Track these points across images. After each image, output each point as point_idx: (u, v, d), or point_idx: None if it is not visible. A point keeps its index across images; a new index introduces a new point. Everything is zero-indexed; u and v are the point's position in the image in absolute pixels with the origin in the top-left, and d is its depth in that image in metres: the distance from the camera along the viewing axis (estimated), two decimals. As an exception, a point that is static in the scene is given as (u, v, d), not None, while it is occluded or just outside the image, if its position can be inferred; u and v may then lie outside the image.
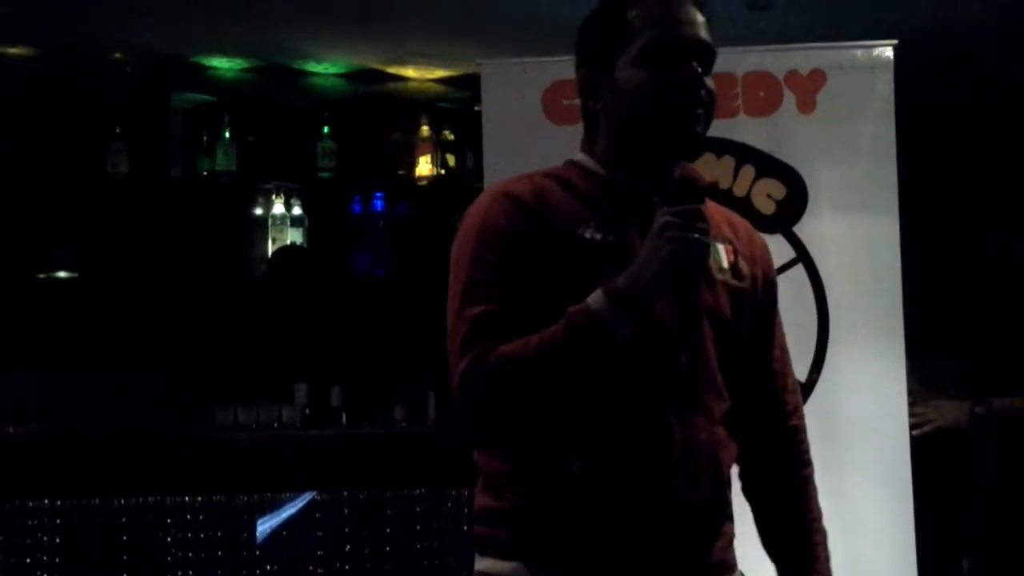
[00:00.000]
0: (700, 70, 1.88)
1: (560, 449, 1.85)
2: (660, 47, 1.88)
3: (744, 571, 2.05)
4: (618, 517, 1.85)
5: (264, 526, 4.35)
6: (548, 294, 1.82)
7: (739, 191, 3.17)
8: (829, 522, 3.05)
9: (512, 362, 1.77)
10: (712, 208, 2.03)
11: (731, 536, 2.01)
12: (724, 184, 3.17)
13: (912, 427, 3.21)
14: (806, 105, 3.24)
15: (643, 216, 1.86)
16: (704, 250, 1.81)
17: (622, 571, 1.85)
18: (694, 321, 1.90)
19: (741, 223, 2.11)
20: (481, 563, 1.94)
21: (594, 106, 1.97)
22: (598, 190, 1.93)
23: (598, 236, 1.86)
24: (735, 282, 1.97)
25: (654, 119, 1.88)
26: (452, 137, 5.30)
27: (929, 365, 3.39)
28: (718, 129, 3.12)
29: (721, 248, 1.97)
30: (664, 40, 1.88)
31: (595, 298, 1.77)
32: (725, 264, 1.97)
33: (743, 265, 2.00)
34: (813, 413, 3.03)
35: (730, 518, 2.00)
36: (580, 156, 2.00)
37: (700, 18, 1.92)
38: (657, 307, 1.83)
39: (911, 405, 3.19)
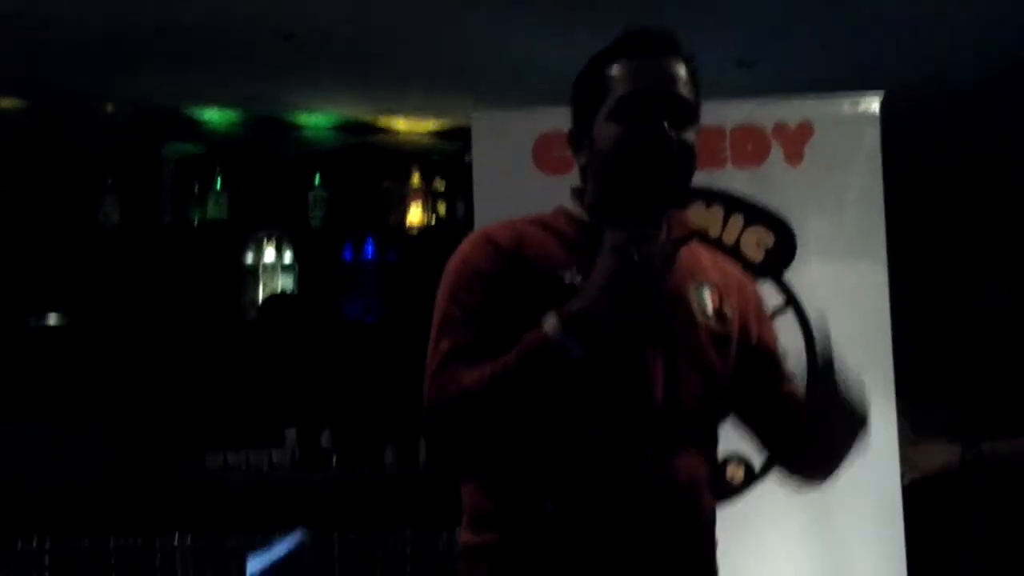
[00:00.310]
0: (668, 124, 1.88)
1: (534, 489, 1.85)
2: (629, 102, 1.90)
3: None
4: (591, 560, 1.84)
5: (254, 568, 4.33)
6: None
7: (728, 239, 3.21)
8: (819, 564, 3.09)
9: (469, 390, 1.78)
10: (703, 254, 2.05)
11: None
12: (713, 233, 3.20)
13: (903, 474, 3.22)
14: (794, 156, 3.27)
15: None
16: (650, 266, 1.79)
17: None
18: (669, 357, 1.90)
19: (733, 271, 2.12)
20: None
21: (579, 160, 2.00)
22: (582, 236, 1.94)
23: (578, 279, 1.86)
24: (718, 327, 1.97)
25: (624, 174, 1.91)
26: (443, 186, 5.34)
27: (919, 410, 3.41)
28: (707, 179, 3.21)
29: (706, 292, 1.98)
30: (633, 95, 1.90)
31: (548, 322, 1.77)
32: (709, 309, 1.97)
33: (728, 311, 2.00)
34: (804, 455, 3.10)
35: (712, 570, 1.98)
36: (569, 204, 2.03)
37: (680, 72, 1.93)
38: (623, 337, 1.82)
39: (901, 451, 3.20)
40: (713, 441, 2.00)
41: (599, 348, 1.78)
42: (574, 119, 2.01)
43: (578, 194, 2.02)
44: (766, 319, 2.14)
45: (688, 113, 1.93)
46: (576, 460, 1.85)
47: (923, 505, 3.28)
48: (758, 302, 2.13)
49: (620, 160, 1.90)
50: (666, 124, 1.88)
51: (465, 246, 1.95)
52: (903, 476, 3.20)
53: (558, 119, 3.18)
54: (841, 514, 3.08)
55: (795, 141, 3.27)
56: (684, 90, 1.93)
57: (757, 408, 2.08)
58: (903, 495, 3.13)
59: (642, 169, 1.88)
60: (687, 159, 1.92)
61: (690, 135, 1.92)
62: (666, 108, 1.90)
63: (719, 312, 1.99)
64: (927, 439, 3.38)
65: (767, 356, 2.08)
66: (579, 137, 1.99)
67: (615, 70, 1.94)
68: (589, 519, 1.84)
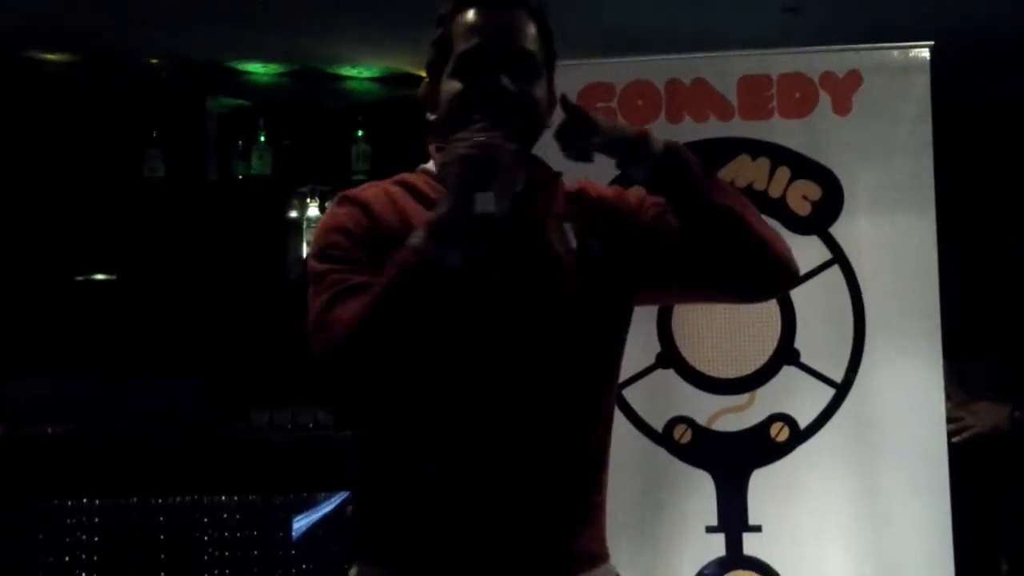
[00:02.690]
0: (508, 77, 1.88)
1: (415, 449, 1.86)
2: (469, 56, 1.91)
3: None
4: (467, 513, 1.84)
5: (299, 525, 4.38)
6: None
7: (774, 192, 3.16)
8: (864, 523, 3.08)
9: (351, 323, 1.74)
10: (586, 195, 2.04)
11: (601, 526, 1.98)
12: (759, 186, 3.16)
13: (951, 433, 3.18)
14: (842, 107, 3.21)
15: None
16: (492, 156, 1.76)
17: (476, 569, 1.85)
18: (526, 299, 1.88)
19: (601, 192, 2.08)
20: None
21: (431, 117, 2.00)
22: (438, 192, 1.93)
23: None
24: (589, 258, 1.96)
25: (462, 125, 1.87)
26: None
27: (967, 367, 3.37)
28: (753, 131, 3.17)
29: (567, 227, 1.96)
30: (473, 49, 1.91)
31: (413, 236, 1.76)
32: (573, 244, 1.95)
33: (593, 240, 1.98)
34: (849, 414, 3.08)
35: (598, 507, 1.97)
36: (428, 164, 2.03)
37: (523, 24, 1.94)
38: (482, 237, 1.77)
39: (949, 409, 3.17)
40: (594, 377, 1.97)
41: (465, 251, 1.75)
42: (428, 76, 2.01)
43: (435, 153, 2.02)
44: (632, 199, 2.07)
45: (531, 65, 1.93)
46: (448, 416, 1.84)
47: (969, 461, 3.25)
48: (622, 198, 2.07)
49: (459, 115, 1.88)
50: (505, 78, 1.88)
51: (329, 208, 1.98)
52: (950, 435, 3.16)
53: (601, 71, 3.22)
54: (887, 473, 3.06)
55: (843, 91, 3.21)
56: (526, 42, 1.93)
57: (679, 260, 2.01)
58: (949, 454, 3.09)
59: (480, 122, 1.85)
60: (529, 111, 1.91)
61: (536, 88, 1.93)
62: (506, 61, 1.90)
63: (583, 244, 1.96)
64: (974, 398, 3.34)
65: (654, 228, 2.02)
66: (430, 95, 1.99)
67: (457, 25, 1.95)
68: (469, 479, 1.84)
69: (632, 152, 1.94)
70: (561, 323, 1.91)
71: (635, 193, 2.06)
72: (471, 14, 1.94)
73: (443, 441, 1.86)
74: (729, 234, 1.92)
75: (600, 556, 1.97)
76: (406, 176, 2.01)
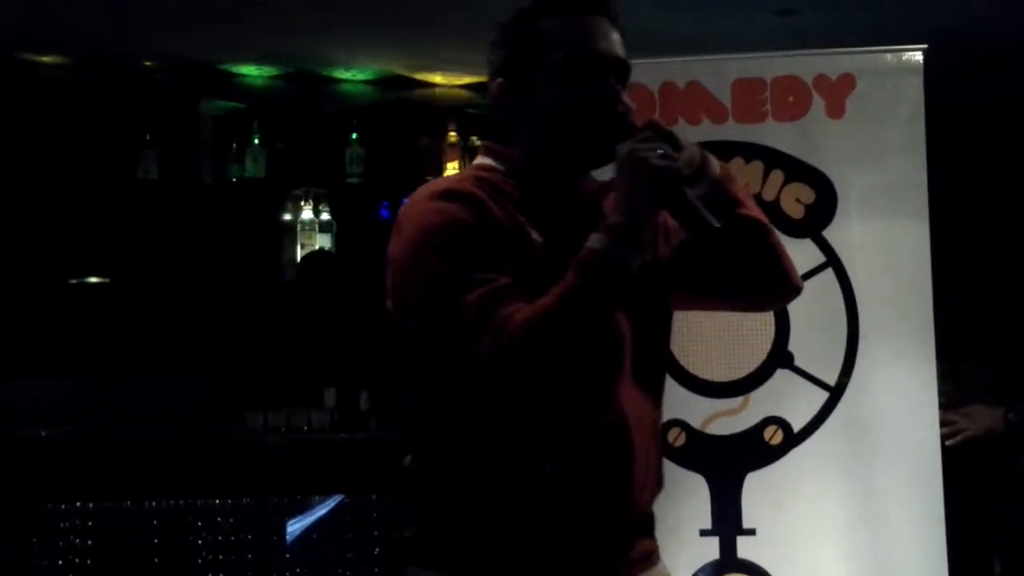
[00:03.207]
0: (618, 87, 1.92)
1: (534, 448, 1.85)
2: (578, 63, 1.91)
3: None
4: (577, 515, 1.86)
5: (294, 528, 4.37)
6: None
7: (768, 195, 3.16)
8: (858, 526, 3.08)
9: (534, 321, 1.74)
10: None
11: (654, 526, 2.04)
12: (753, 189, 3.16)
13: (945, 436, 3.19)
14: (835, 110, 3.22)
15: (564, 216, 1.92)
16: (669, 166, 1.81)
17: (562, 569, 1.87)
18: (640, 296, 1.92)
19: None
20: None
21: (511, 115, 1.98)
22: (520, 193, 1.93)
23: (536, 236, 1.88)
24: (654, 266, 2.02)
25: (573, 136, 1.92)
26: (479, 142, 5.32)
27: (960, 369, 3.37)
28: (747, 134, 3.17)
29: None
30: (582, 56, 1.91)
31: (595, 240, 1.78)
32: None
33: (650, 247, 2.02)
34: (843, 417, 3.08)
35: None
36: (487, 160, 2.01)
37: (612, 31, 1.95)
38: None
39: (943, 412, 3.17)
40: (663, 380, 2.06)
41: (642, 257, 1.82)
42: (504, 75, 1.98)
43: (499, 149, 2.00)
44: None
45: (627, 74, 1.98)
46: (575, 417, 1.86)
47: (963, 463, 3.25)
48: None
49: (571, 123, 1.91)
50: (620, 88, 1.93)
51: (431, 203, 1.88)
52: (943, 438, 3.16)
53: None
54: (881, 476, 3.06)
55: (837, 94, 3.22)
56: (621, 51, 1.97)
57: (698, 273, 2.06)
58: (943, 457, 3.09)
59: (594, 132, 1.90)
60: (629, 121, 1.93)
61: (627, 97, 1.96)
62: (613, 70, 1.94)
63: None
64: (968, 400, 3.35)
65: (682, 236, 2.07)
66: (513, 94, 1.97)
67: (551, 27, 1.94)
68: (582, 480, 1.86)
69: (696, 177, 1.94)
70: (655, 330, 2.00)
71: None
72: (571, 20, 1.94)
73: (557, 442, 1.86)
74: (757, 246, 2.00)
75: (657, 554, 2.04)
76: (478, 173, 1.98)
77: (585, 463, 1.88)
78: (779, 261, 2.02)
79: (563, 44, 1.92)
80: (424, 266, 1.83)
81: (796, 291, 2.09)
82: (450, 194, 1.87)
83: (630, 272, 1.79)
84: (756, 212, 2.01)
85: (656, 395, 2.01)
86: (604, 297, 1.78)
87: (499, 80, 1.99)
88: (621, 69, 1.95)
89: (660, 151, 1.82)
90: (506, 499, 1.86)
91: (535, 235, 1.88)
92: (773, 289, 2.07)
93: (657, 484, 2.00)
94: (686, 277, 2.04)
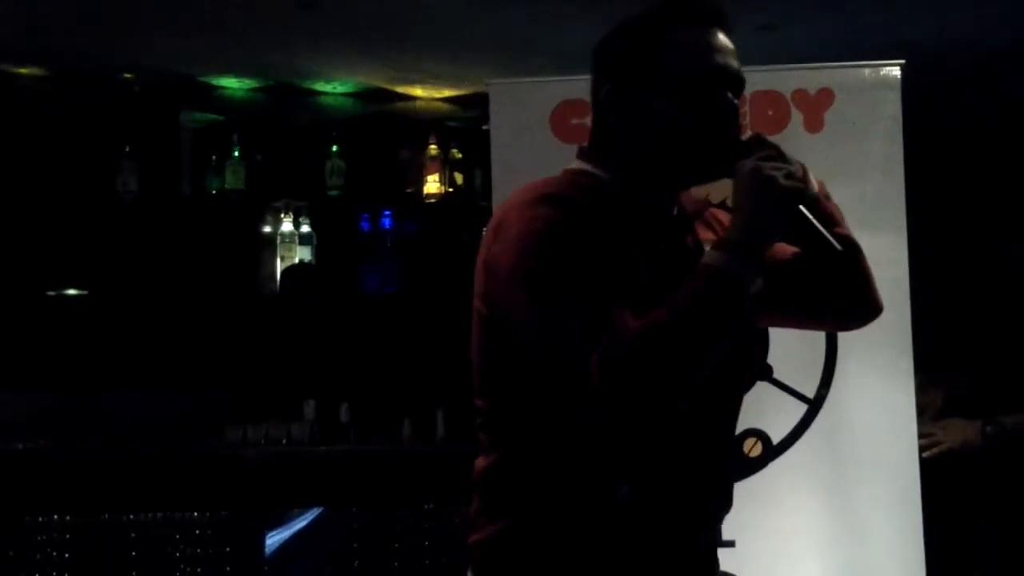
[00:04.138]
0: (736, 102, 1.87)
1: (609, 470, 1.84)
2: (695, 79, 1.86)
3: None
4: (655, 544, 1.87)
5: (273, 541, 4.36)
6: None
7: (747, 209, 3.17)
8: (837, 538, 3.09)
9: (650, 335, 1.71)
10: (722, 218, 2.04)
11: None
12: (731, 202, 3.17)
13: (922, 449, 3.20)
14: (814, 124, 3.25)
15: (664, 230, 1.91)
16: (794, 184, 1.78)
17: None
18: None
19: (718, 215, 2.09)
20: None
21: (615, 124, 1.93)
22: (619, 202, 1.90)
23: (634, 249, 1.85)
24: None
25: (687, 152, 1.86)
26: (460, 155, 5.31)
27: (939, 382, 3.39)
28: (726, 147, 3.19)
29: None
30: (699, 72, 1.86)
31: (711, 256, 1.75)
32: None
33: None
34: (822, 428, 3.09)
35: None
36: (586, 166, 1.96)
37: (730, 45, 1.89)
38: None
39: (921, 424, 3.19)
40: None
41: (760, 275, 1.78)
42: (612, 82, 1.92)
43: (598, 156, 1.96)
44: None
45: (743, 88, 1.92)
46: (656, 438, 1.85)
47: (942, 475, 3.26)
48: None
49: (686, 138, 1.85)
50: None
51: (532, 210, 1.84)
52: (922, 450, 3.18)
53: (576, 88, 3.22)
54: (860, 488, 3.08)
55: (815, 108, 3.25)
56: (737, 63, 1.90)
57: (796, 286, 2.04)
58: (921, 469, 3.11)
59: (711, 149, 1.85)
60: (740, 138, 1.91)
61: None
62: (728, 85, 1.88)
63: None
64: (946, 413, 3.36)
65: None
66: (620, 102, 1.91)
67: (667, 39, 1.88)
68: (661, 504, 1.86)
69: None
70: (755, 349, 2.06)
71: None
72: (693, 32, 1.88)
73: (640, 463, 1.86)
74: (854, 267, 2.00)
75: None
76: (577, 178, 1.94)
77: (666, 484, 1.88)
78: (869, 282, 2.03)
79: (677, 58, 1.86)
80: (533, 271, 1.79)
81: (880, 312, 2.08)
82: (551, 199, 1.84)
83: (749, 291, 1.75)
84: (849, 231, 1.99)
85: (737, 415, 2.03)
86: (725, 316, 1.74)
87: (607, 87, 1.93)
88: (739, 84, 1.90)
89: (784, 171, 1.78)
90: (578, 516, 1.85)
91: (634, 247, 1.84)
92: (863, 310, 2.07)
93: (729, 503, 2.04)
94: (782, 297, 1.99)
